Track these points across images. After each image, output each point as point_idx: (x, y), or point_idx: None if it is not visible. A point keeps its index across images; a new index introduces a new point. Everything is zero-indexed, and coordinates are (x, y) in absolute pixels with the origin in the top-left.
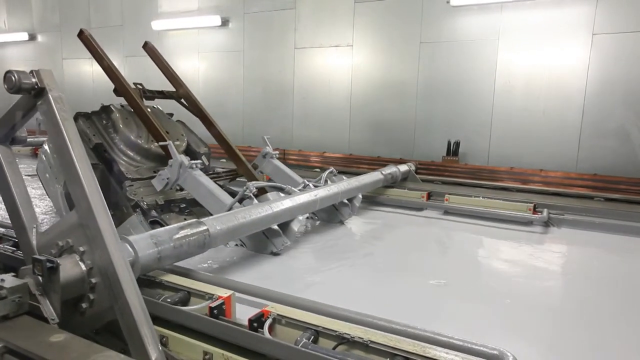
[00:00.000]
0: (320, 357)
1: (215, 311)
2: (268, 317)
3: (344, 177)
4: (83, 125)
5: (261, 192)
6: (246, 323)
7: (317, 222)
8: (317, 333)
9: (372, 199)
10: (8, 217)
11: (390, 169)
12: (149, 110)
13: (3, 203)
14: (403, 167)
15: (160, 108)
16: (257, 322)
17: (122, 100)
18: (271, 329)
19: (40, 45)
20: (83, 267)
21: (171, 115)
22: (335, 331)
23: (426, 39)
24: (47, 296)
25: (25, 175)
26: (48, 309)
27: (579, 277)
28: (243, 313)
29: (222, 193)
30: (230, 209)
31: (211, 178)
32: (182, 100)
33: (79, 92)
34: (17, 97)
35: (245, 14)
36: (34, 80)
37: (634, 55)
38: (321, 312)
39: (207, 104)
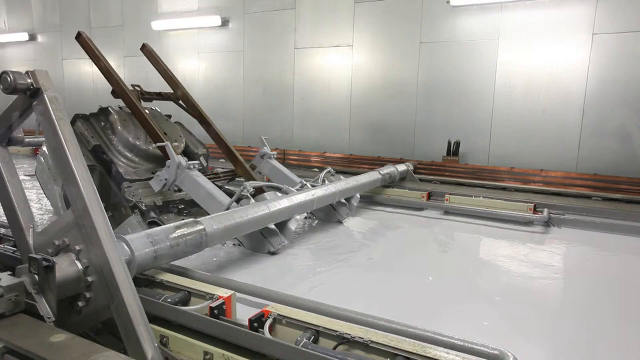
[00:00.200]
0: (320, 357)
1: (215, 311)
2: (268, 317)
3: (342, 177)
4: (81, 127)
5: (259, 191)
6: (246, 323)
7: (315, 222)
8: (318, 333)
9: (373, 199)
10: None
11: (388, 169)
12: (146, 111)
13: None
14: (401, 167)
15: (159, 110)
16: (257, 322)
17: (120, 102)
18: (271, 328)
19: (40, 45)
20: (79, 265)
21: (169, 116)
22: (336, 331)
23: (426, 39)
24: (43, 294)
25: (26, 175)
26: (44, 307)
27: (579, 276)
28: (243, 313)
29: (219, 193)
30: (227, 209)
31: (209, 178)
32: (180, 101)
33: (79, 93)
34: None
35: (245, 14)
36: (29, 80)
37: (634, 55)
38: (322, 312)
39: (207, 104)
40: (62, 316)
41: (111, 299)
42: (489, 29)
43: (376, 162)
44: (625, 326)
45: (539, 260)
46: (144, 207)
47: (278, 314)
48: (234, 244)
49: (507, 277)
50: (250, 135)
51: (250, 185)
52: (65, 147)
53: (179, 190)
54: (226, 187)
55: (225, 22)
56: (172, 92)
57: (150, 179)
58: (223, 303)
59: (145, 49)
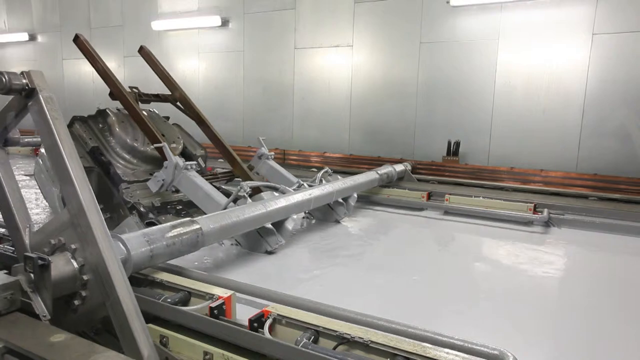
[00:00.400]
0: (320, 357)
1: (215, 311)
2: (268, 317)
3: (339, 177)
4: (79, 129)
5: (256, 191)
6: (246, 323)
7: (313, 221)
8: (318, 333)
9: (372, 199)
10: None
11: (385, 169)
12: (144, 113)
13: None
14: (399, 167)
15: (157, 111)
16: (257, 322)
17: (118, 104)
18: (271, 329)
19: (40, 45)
20: (75, 264)
21: (167, 118)
22: (336, 331)
23: (426, 39)
24: (38, 293)
25: (25, 175)
26: (39, 305)
27: (579, 276)
28: (243, 313)
29: (217, 194)
30: (224, 209)
31: (207, 179)
32: (178, 103)
33: (79, 93)
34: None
35: (245, 14)
36: (24, 81)
37: (634, 55)
38: (321, 312)
39: (207, 105)
40: (58, 315)
41: (106, 297)
42: (489, 29)
43: (376, 162)
44: (625, 326)
45: (539, 260)
46: (142, 208)
47: (278, 314)
48: (232, 244)
49: (507, 277)
50: (250, 135)
51: (247, 185)
52: (61, 146)
53: (177, 191)
54: (224, 187)
55: (225, 22)
56: (170, 93)
57: (148, 180)
58: (223, 303)
59: (143, 51)
